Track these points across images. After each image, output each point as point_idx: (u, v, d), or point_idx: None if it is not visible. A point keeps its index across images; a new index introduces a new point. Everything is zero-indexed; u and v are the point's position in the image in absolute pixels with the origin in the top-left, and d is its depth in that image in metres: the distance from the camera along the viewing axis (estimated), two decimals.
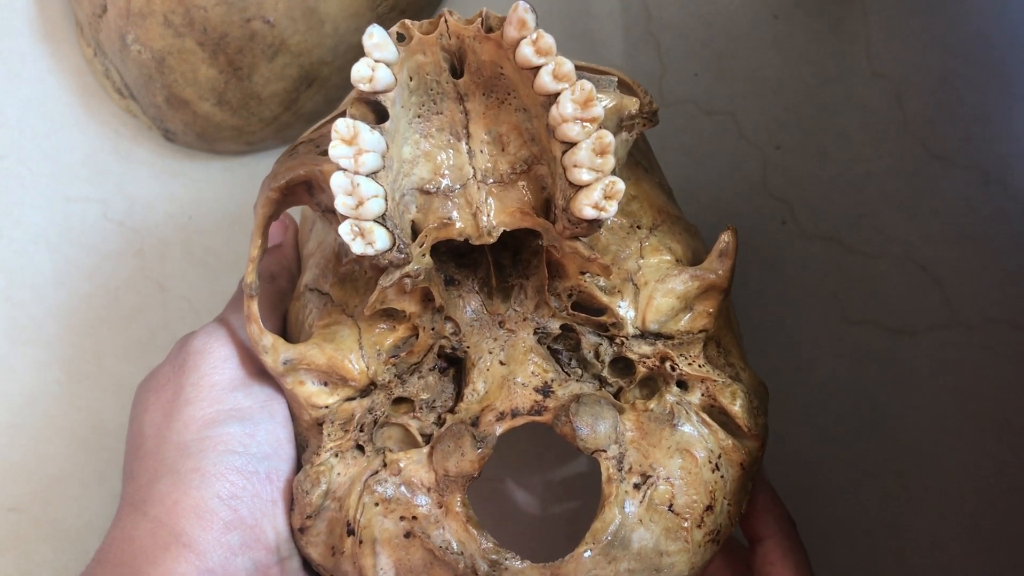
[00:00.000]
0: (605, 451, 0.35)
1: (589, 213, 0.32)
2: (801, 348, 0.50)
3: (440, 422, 0.37)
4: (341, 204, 0.31)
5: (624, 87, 0.37)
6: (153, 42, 0.47)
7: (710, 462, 0.36)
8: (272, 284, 0.40)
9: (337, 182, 0.31)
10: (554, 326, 0.38)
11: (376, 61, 0.31)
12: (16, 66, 0.54)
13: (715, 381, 0.36)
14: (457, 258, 0.37)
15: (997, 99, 0.49)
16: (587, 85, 0.31)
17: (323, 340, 0.36)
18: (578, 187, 0.32)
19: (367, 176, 0.32)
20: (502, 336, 0.38)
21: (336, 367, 0.36)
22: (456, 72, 0.34)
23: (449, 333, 0.37)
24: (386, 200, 0.32)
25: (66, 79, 0.54)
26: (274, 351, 0.36)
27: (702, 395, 0.37)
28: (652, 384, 0.37)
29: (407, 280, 0.33)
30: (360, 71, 0.31)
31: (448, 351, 0.38)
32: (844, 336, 0.49)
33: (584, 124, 0.31)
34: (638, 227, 0.37)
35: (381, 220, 0.32)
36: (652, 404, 0.36)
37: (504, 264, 0.38)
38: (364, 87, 0.31)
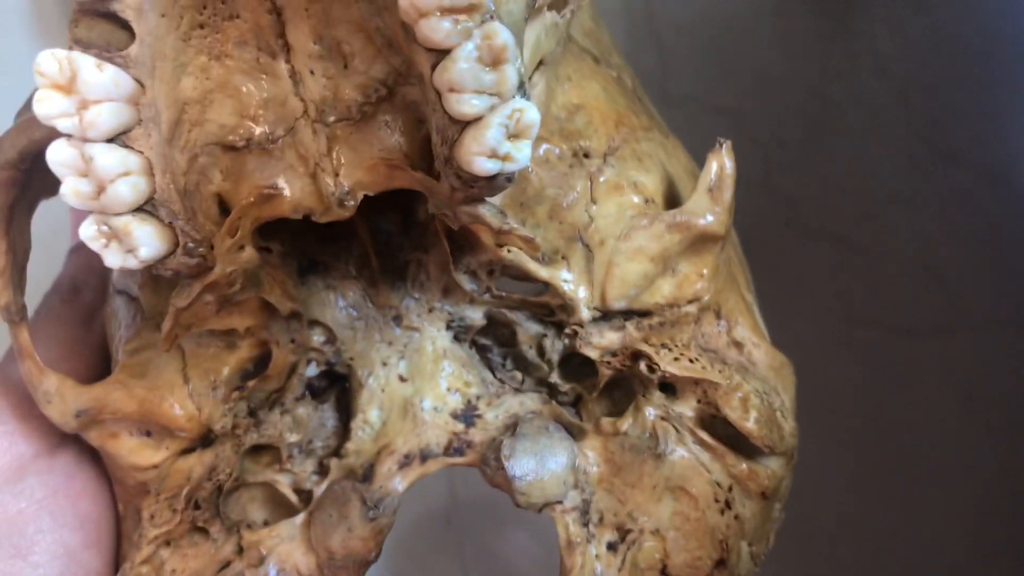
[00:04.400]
0: (561, 503, 0.24)
1: (483, 166, 0.19)
2: (804, 348, 0.49)
3: (322, 470, 0.26)
4: (71, 192, 0.19)
5: None
6: None
7: (716, 501, 0.24)
8: (75, 299, 0.28)
9: (57, 157, 0.19)
10: (475, 316, 0.25)
11: None
12: (10, 64, 0.51)
13: (715, 384, 0.24)
14: (319, 230, 0.25)
15: (1003, 97, 0.48)
16: None
17: (131, 375, 0.24)
18: (462, 123, 0.19)
19: (108, 142, 0.19)
20: (400, 338, 0.26)
21: (152, 414, 0.24)
22: None
23: (319, 343, 0.25)
24: (152, 175, 0.19)
25: None
26: (60, 399, 0.24)
27: (698, 402, 0.25)
28: (626, 387, 0.26)
29: (208, 296, 0.21)
30: None
31: (323, 367, 0.26)
32: (848, 336, 0.48)
33: (458, 18, 0.18)
34: (586, 155, 0.25)
35: (150, 208, 0.20)
36: (625, 424, 0.24)
37: (389, 231, 0.26)
38: None
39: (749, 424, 0.24)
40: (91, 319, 0.28)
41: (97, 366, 0.28)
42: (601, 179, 0.25)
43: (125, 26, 0.19)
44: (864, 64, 0.50)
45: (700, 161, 0.48)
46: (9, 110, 0.51)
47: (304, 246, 0.25)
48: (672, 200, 0.26)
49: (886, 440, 0.47)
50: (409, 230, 0.25)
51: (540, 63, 0.24)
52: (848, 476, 0.47)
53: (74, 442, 0.26)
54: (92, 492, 0.26)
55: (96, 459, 0.26)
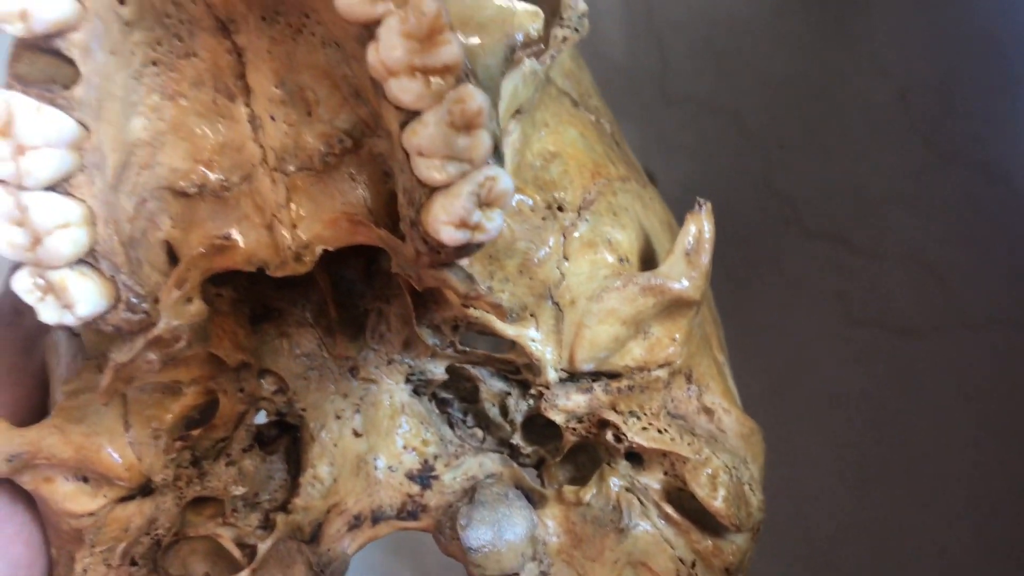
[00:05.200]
0: (517, 575, 0.23)
1: (451, 236, 0.18)
2: (804, 348, 0.49)
3: (267, 525, 0.24)
4: (5, 243, 0.18)
5: None
6: None
7: None
8: (17, 323, 0.26)
9: None
10: (437, 370, 0.24)
11: None
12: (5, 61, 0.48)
13: (683, 458, 0.23)
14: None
15: (1002, 97, 0.48)
16: (430, 4, 0.17)
17: (67, 419, 0.23)
18: (431, 188, 0.18)
19: (47, 190, 0.17)
20: (356, 390, 0.24)
21: (89, 462, 0.22)
22: None
23: (270, 392, 0.24)
24: (93, 225, 0.18)
25: None
26: None
27: (665, 474, 0.24)
28: (591, 452, 0.25)
29: (150, 355, 0.20)
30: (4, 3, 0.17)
31: (274, 417, 0.24)
32: (848, 336, 0.48)
33: (431, 79, 0.17)
34: (560, 208, 0.24)
35: (91, 260, 0.18)
36: (588, 494, 0.23)
37: (350, 279, 0.24)
38: (13, 28, 0.17)
39: (717, 503, 0.23)
40: (33, 345, 0.27)
41: (37, 395, 0.26)
42: (575, 235, 0.23)
43: (71, 62, 0.18)
44: (864, 64, 0.50)
45: (697, 157, 0.48)
46: None
47: (258, 291, 0.23)
48: (647, 257, 0.25)
49: (886, 439, 0.47)
50: (372, 278, 0.24)
51: (517, 111, 0.23)
52: (848, 476, 0.47)
53: (9, 480, 0.25)
54: (27, 536, 0.25)
55: (33, 499, 0.25)
